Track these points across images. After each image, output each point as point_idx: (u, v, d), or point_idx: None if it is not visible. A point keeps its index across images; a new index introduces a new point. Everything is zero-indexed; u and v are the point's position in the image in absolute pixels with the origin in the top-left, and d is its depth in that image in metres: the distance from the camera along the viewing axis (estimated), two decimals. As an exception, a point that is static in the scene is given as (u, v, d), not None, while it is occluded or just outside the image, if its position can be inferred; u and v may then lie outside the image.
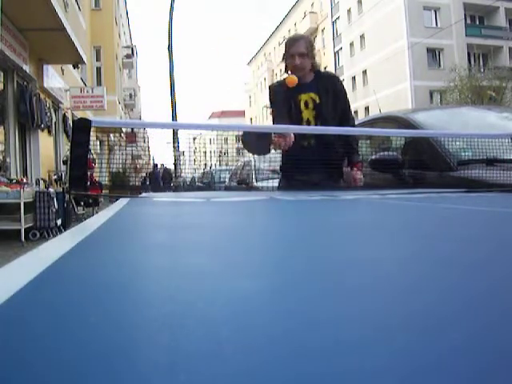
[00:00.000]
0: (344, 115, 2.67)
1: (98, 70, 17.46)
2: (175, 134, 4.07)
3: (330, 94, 2.64)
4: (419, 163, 2.96)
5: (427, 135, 2.92)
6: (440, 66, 26.49)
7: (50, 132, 10.43)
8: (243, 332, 0.29)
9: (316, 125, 2.61)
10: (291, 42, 2.61)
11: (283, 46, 2.71)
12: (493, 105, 17.72)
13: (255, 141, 2.54)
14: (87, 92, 12.92)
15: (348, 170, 2.67)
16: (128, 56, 24.18)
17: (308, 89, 2.63)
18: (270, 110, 2.77)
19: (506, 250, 0.63)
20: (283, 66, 2.73)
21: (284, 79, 2.67)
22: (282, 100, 2.62)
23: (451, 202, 1.73)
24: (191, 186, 10.82)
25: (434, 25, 26.77)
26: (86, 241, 0.75)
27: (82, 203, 8.11)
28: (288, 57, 2.60)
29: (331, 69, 33.96)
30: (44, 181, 8.61)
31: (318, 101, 2.62)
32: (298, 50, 2.57)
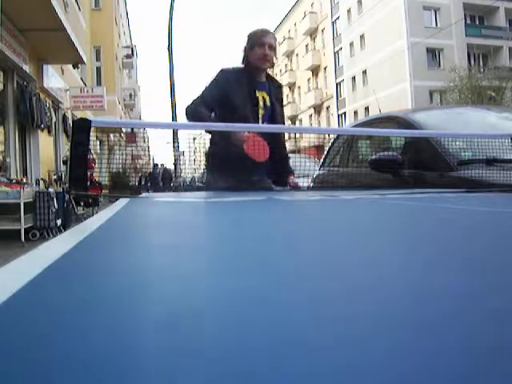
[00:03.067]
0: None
1: (98, 69, 17.48)
2: (175, 134, 4.07)
3: (277, 101, 2.72)
4: (419, 163, 2.96)
5: (427, 135, 2.92)
6: (440, 66, 26.50)
7: (49, 132, 10.43)
8: (243, 331, 0.29)
9: (263, 124, 2.64)
10: (264, 33, 2.61)
11: (261, 40, 2.62)
12: (493, 105, 17.72)
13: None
14: (87, 92, 12.93)
15: (291, 179, 2.74)
16: (128, 56, 24.21)
17: (262, 87, 2.67)
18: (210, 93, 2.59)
19: (505, 250, 0.63)
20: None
21: (240, 68, 2.65)
22: (230, 91, 2.55)
23: (451, 202, 1.73)
24: (191, 186, 10.84)
25: (434, 25, 26.78)
26: (85, 241, 0.75)
27: (82, 203, 8.12)
28: (259, 45, 2.56)
29: (331, 69, 34.03)
30: (44, 181, 8.61)
31: (268, 102, 2.65)
32: (271, 41, 2.58)
